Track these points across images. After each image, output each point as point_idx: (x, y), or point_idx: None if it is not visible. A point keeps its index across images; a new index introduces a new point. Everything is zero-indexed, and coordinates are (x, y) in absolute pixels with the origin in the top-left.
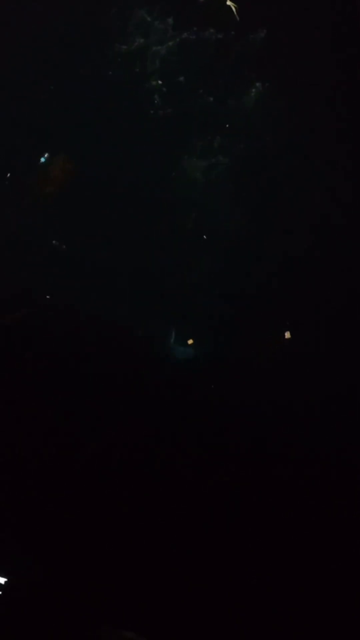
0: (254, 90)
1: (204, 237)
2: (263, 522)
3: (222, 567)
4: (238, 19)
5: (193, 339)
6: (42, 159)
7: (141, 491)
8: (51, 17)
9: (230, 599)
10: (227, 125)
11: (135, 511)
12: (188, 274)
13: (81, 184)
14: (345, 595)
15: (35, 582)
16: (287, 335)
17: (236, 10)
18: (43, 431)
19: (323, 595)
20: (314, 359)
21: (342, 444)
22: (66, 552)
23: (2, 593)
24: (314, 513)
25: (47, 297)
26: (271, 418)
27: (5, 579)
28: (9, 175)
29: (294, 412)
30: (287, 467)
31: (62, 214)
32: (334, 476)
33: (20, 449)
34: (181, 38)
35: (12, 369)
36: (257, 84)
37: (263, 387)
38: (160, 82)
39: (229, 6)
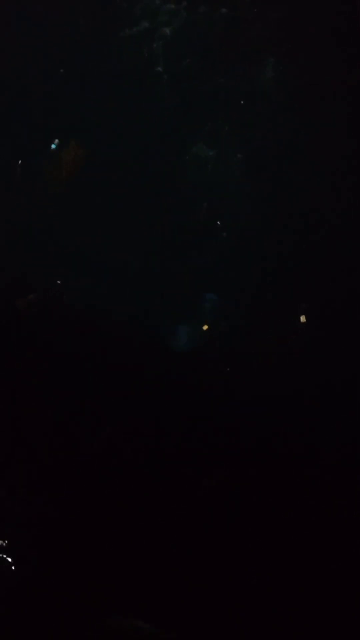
0: (266, 71)
1: (218, 222)
2: (274, 514)
3: (228, 554)
4: None
5: (208, 324)
6: (53, 146)
7: (152, 479)
8: (58, 3)
9: (234, 589)
10: (242, 102)
11: (142, 502)
12: (202, 258)
13: (91, 170)
14: (345, 591)
15: (43, 571)
16: (303, 319)
17: None
18: (52, 412)
19: (323, 590)
20: (329, 342)
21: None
22: (75, 543)
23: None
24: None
25: (58, 282)
26: (286, 402)
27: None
28: (20, 162)
29: (309, 395)
30: (303, 452)
31: (72, 200)
32: (351, 463)
33: (31, 430)
34: (190, 19)
35: (22, 352)
36: (270, 65)
37: (278, 371)
38: (167, 65)
39: None
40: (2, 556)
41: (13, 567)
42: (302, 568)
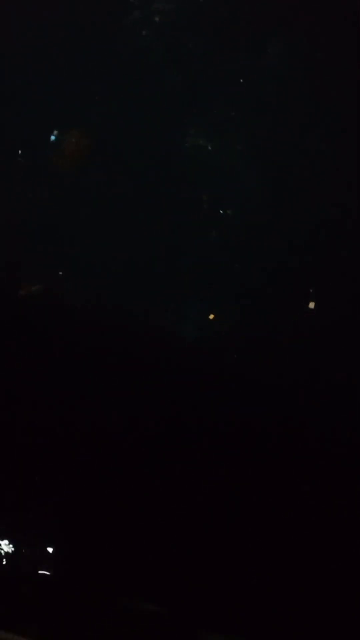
0: (270, 56)
1: (221, 211)
2: (276, 507)
3: (232, 536)
4: None
5: (214, 313)
6: (53, 137)
7: (154, 468)
8: None
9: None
10: (241, 80)
11: (145, 490)
12: (207, 246)
13: (92, 160)
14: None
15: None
16: (311, 305)
17: None
18: (52, 404)
19: (324, 584)
20: (339, 329)
21: None
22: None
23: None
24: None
25: (60, 273)
26: (295, 390)
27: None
28: (20, 152)
29: (318, 384)
30: (311, 443)
31: (73, 190)
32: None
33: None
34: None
35: (24, 342)
36: (274, 48)
37: (287, 358)
38: (166, 51)
39: None
40: (8, 545)
41: (18, 556)
42: (302, 564)
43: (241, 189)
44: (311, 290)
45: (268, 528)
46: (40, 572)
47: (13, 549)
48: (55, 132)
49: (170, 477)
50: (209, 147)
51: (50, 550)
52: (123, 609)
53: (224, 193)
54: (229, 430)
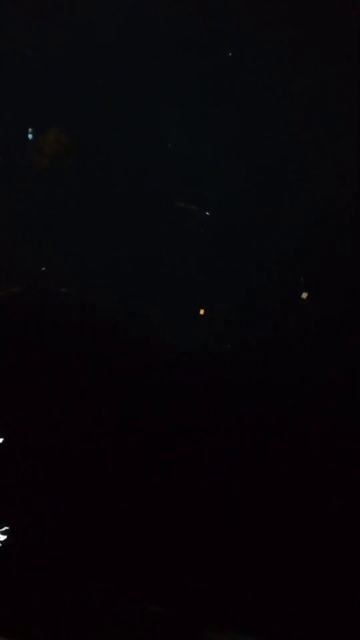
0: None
1: (207, 213)
2: (276, 503)
3: (232, 534)
4: None
5: (205, 308)
6: (30, 136)
7: (152, 465)
8: None
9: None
10: (230, 54)
11: (143, 487)
12: (196, 244)
13: (74, 157)
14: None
15: (46, 558)
16: (304, 295)
17: None
18: (40, 406)
19: (324, 579)
20: (331, 320)
21: None
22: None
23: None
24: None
25: (43, 268)
26: (290, 382)
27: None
28: None
29: (313, 375)
30: (308, 436)
31: (54, 187)
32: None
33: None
34: None
35: (8, 343)
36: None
37: (281, 350)
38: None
39: None
40: (8, 544)
41: (18, 555)
42: (303, 562)
43: (229, 186)
44: (302, 279)
45: (268, 527)
46: (39, 571)
47: (13, 549)
48: (30, 129)
49: (170, 477)
50: (191, 144)
51: (49, 550)
52: (123, 609)
53: (208, 190)
54: (227, 424)
